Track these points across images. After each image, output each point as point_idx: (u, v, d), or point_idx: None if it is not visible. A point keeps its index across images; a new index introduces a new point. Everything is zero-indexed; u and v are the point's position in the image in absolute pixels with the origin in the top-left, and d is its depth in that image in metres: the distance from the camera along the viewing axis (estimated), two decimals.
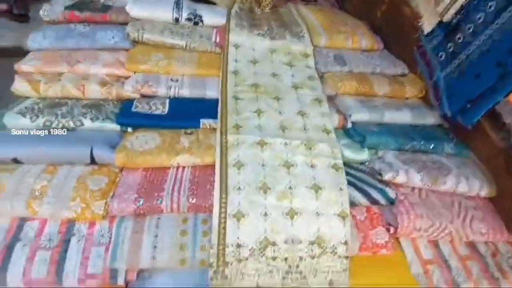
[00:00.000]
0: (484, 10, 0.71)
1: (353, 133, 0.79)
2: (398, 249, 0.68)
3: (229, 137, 0.71)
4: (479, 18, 0.72)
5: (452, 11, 0.76)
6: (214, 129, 0.75)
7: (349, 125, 0.81)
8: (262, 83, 0.85)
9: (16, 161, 0.66)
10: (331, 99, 0.88)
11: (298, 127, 0.76)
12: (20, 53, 0.86)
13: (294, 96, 0.82)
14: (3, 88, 0.80)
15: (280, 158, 0.69)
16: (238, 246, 0.60)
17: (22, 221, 0.61)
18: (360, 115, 0.81)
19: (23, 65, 0.80)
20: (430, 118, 0.85)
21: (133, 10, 0.94)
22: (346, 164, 0.73)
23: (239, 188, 0.64)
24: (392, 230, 0.68)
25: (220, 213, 0.61)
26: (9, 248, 0.57)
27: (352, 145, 0.77)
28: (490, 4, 0.70)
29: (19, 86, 0.77)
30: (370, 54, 1.02)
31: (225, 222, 0.61)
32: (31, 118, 0.70)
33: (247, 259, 0.60)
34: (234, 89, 0.82)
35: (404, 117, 0.84)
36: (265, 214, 0.62)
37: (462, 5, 0.75)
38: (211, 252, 0.59)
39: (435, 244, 0.70)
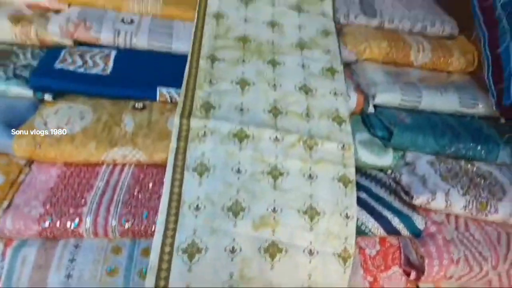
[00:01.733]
0: None
1: (376, 124, 0.56)
2: None
3: (193, 123, 0.48)
4: None
5: None
6: (175, 105, 0.51)
7: (371, 110, 0.57)
8: (254, 36, 0.59)
9: None
10: (348, 66, 0.63)
11: (298, 111, 0.52)
12: None
13: (298, 61, 0.57)
14: None
15: (265, 161, 0.47)
16: None
17: None
18: (389, 96, 0.57)
19: None
20: (483, 107, 0.61)
21: None
22: (360, 171, 0.51)
23: (197, 208, 0.43)
24: (413, 275, 0.48)
25: (162, 247, 0.41)
26: None
27: (372, 142, 0.54)
28: None
29: None
30: (410, 1, 0.74)
31: (169, 261, 0.41)
32: None
33: None
34: (213, 42, 0.56)
35: (448, 103, 0.59)
36: (233, 250, 0.42)
37: None
38: None
39: None
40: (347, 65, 0.62)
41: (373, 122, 0.56)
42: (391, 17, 0.69)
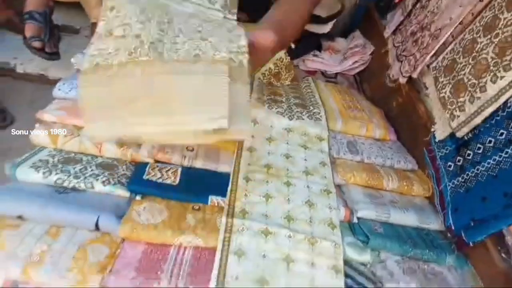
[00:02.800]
0: (495, 136, 0.72)
1: (358, 231, 0.78)
2: None
3: (235, 221, 0.71)
4: (490, 142, 0.74)
5: (466, 129, 0.78)
6: (222, 208, 0.75)
7: (355, 220, 0.81)
8: (274, 164, 0.86)
9: (21, 218, 0.66)
10: (339, 188, 0.89)
11: (304, 218, 0.76)
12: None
13: (305, 183, 0.83)
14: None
15: (282, 251, 0.69)
16: None
17: (14, 284, 0.60)
18: (367, 212, 0.81)
19: (46, 114, 0.82)
20: (435, 224, 0.85)
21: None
22: (347, 263, 0.73)
23: (237, 278, 0.63)
24: None
25: None
26: None
27: (356, 244, 0.76)
28: (502, 131, 0.72)
29: (38, 136, 0.78)
30: (382, 144, 1.04)
31: None
32: (43, 173, 0.71)
33: None
34: (247, 168, 0.83)
35: (410, 220, 0.84)
36: None
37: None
38: None
39: None
40: (338, 187, 0.89)
41: (356, 230, 0.79)
42: (369, 155, 0.97)
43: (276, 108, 1.00)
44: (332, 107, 1.09)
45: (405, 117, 1.10)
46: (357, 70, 1.40)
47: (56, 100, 0.89)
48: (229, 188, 0.78)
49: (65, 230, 0.66)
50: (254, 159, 0.86)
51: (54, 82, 0.95)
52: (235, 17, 0.82)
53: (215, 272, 0.64)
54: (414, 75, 1.05)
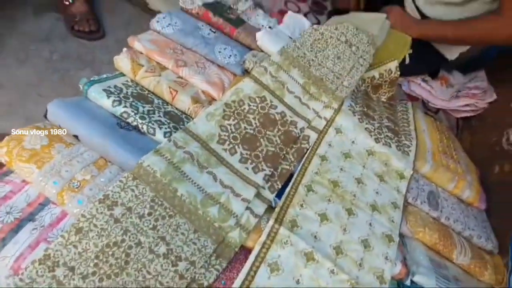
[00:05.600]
0: None
1: None
2: None
3: (282, 231, 0.63)
4: None
5: None
6: (271, 207, 0.67)
7: (408, 282, 0.69)
8: (343, 184, 0.75)
9: (77, 138, 0.63)
10: (402, 238, 0.77)
11: (355, 258, 0.65)
12: None
13: (368, 219, 0.72)
14: None
15: (319, 284, 0.60)
16: None
17: (47, 201, 0.58)
18: (425, 280, 0.69)
19: (137, 42, 0.79)
20: None
21: (261, 40, 0.90)
22: None
23: None
24: None
25: None
26: (20, 225, 0.54)
27: None
28: None
29: (121, 61, 0.75)
30: (467, 209, 0.89)
31: None
32: (113, 102, 0.67)
33: None
34: (312, 177, 0.74)
35: None
36: None
37: None
38: None
39: None
40: (401, 237, 0.77)
41: None
42: (448, 216, 0.83)
43: (366, 124, 0.87)
44: (426, 146, 0.94)
45: (506, 189, 0.93)
46: (464, 115, 1.21)
47: (151, 31, 0.85)
48: (287, 190, 0.69)
49: (111, 166, 0.63)
50: (323, 169, 0.76)
51: (154, 13, 0.91)
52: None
53: (241, 276, 0.56)
54: None
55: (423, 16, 1.13)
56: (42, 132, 0.61)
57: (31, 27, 1.41)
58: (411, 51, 1.11)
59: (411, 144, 0.92)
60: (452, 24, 1.04)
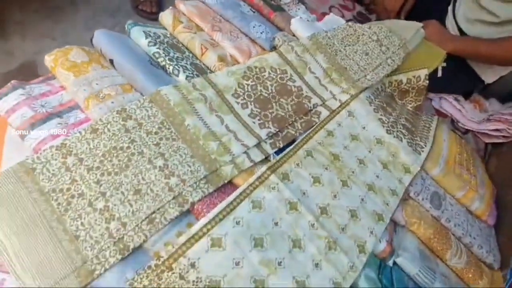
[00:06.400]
0: None
1: (386, 274, 0.66)
2: None
3: (272, 177, 0.67)
4: None
5: None
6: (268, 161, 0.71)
7: (389, 263, 0.69)
8: (343, 160, 0.77)
9: (111, 62, 0.72)
10: (394, 224, 0.76)
11: (338, 222, 0.67)
12: None
13: (362, 195, 0.73)
14: None
15: (295, 232, 0.62)
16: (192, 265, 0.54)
17: (77, 106, 0.67)
18: (408, 264, 0.68)
19: (182, 4, 0.89)
20: None
21: (295, 25, 0.97)
22: None
23: (237, 223, 0.59)
24: None
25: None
26: (49, 117, 0.63)
27: (374, 282, 0.64)
28: None
29: (165, 15, 0.85)
30: (473, 220, 0.85)
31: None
32: (149, 42, 0.76)
33: None
34: (314, 145, 0.77)
35: None
36: (238, 265, 0.56)
37: None
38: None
39: None
40: (394, 224, 0.76)
41: (385, 272, 0.66)
42: (449, 219, 0.80)
43: (380, 115, 0.89)
44: (441, 152, 0.93)
45: None
46: (495, 140, 1.17)
47: (197, 0, 0.95)
48: (287, 150, 0.73)
49: (135, 93, 0.71)
50: (326, 142, 0.79)
51: None
52: None
53: (223, 204, 0.61)
54: None
55: (462, 33, 1.14)
56: (84, 52, 0.71)
57: (103, 1, 1.61)
58: (444, 65, 1.12)
59: (425, 146, 0.91)
60: (486, 41, 1.05)
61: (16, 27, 1.43)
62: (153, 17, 1.55)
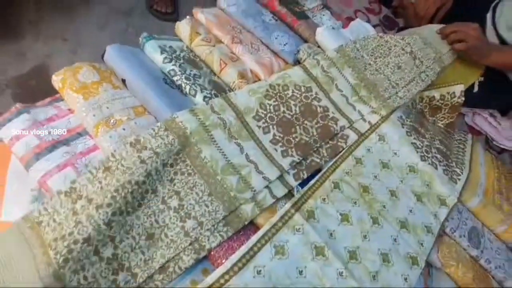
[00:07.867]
0: None
1: None
2: None
3: (296, 217, 0.60)
4: None
5: None
6: (291, 194, 0.64)
7: None
8: (374, 192, 0.70)
9: (123, 82, 0.66)
10: (429, 266, 0.69)
11: (369, 269, 0.60)
12: None
13: (394, 234, 0.66)
14: None
15: (321, 283, 0.55)
16: None
17: (85, 132, 0.61)
18: None
19: (200, 14, 0.82)
20: None
21: (321, 35, 0.89)
22: None
23: (258, 272, 0.53)
24: None
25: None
26: (55, 146, 0.57)
27: None
28: None
29: (182, 26, 0.78)
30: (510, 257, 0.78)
31: None
32: (164, 58, 0.70)
33: None
34: (342, 175, 0.70)
35: None
36: None
37: None
38: None
39: None
40: (428, 266, 0.69)
41: None
42: (489, 260, 0.72)
43: (414, 139, 0.81)
44: (479, 179, 0.85)
45: None
46: None
47: (216, 8, 0.88)
48: (312, 181, 0.66)
49: (149, 116, 0.65)
50: (355, 171, 0.71)
51: None
52: None
53: (244, 249, 0.54)
54: None
55: (503, 42, 1.04)
56: (95, 70, 0.65)
57: (117, 1, 1.54)
58: (482, 79, 1.02)
59: (462, 173, 0.83)
60: None
61: (30, 26, 1.39)
62: (168, 17, 1.49)
